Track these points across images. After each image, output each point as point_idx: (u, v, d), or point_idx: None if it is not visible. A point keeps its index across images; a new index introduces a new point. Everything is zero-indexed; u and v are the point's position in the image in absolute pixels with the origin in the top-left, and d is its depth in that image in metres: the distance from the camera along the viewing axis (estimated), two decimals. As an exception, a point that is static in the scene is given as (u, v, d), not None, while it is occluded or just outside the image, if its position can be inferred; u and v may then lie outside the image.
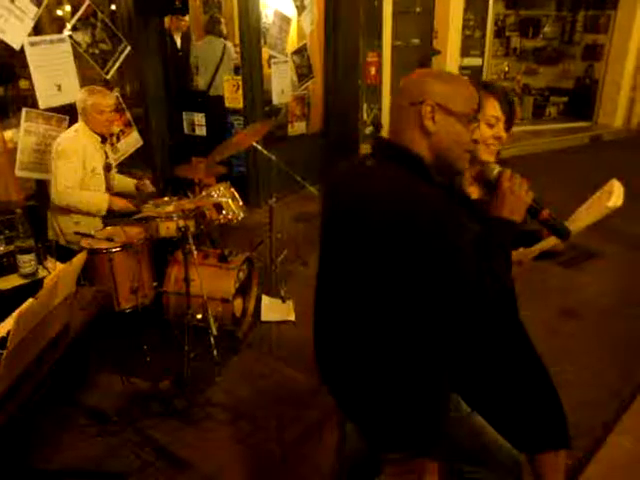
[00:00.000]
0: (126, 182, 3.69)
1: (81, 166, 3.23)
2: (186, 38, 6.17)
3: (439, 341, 1.42)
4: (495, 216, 1.43)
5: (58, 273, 1.81)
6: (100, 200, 3.29)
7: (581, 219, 1.67)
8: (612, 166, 7.03)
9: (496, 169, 1.54)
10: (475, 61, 8.13)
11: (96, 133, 3.35)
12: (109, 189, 3.47)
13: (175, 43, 5.88)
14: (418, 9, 7.12)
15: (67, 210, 3.26)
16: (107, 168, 3.47)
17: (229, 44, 5.70)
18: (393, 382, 1.43)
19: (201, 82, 5.72)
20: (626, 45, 8.39)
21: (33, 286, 2.49)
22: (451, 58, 7.41)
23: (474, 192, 1.73)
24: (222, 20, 5.82)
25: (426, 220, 1.26)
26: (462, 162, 1.45)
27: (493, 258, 1.35)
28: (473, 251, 1.33)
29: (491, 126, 1.70)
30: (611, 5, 8.53)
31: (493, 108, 1.70)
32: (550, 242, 1.67)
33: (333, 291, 1.51)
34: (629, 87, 8.74)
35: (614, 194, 1.61)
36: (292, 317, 3.48)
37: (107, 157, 3.49)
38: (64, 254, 3.04)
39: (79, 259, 2.01)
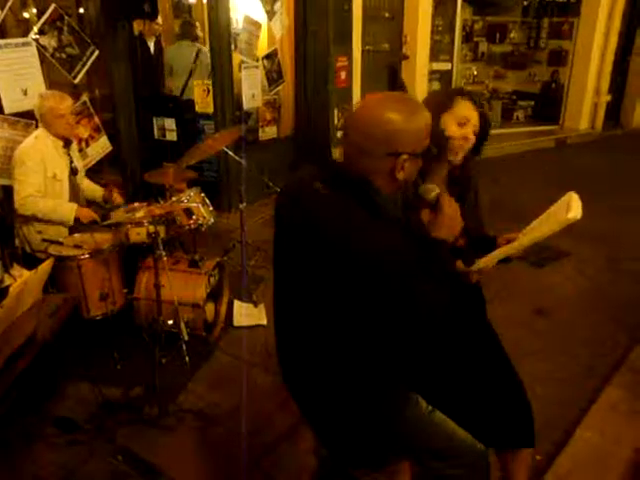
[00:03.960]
0: (94, 190, 3.62)
1: (41, 173, 3.16)
2: (159, 43, 6.13)
3: (386, 353, 1.47)
4: (435, 236, 1.49)
5: (23, 281, 1.78)
6: (66, 210, 3.22)
7: (539, 230, 1.70)
8: (577, 168, 7.20)
9: (434, 192, 1.55)
10: (444, 65, 8.24)
11: (59, 138, 3.28)
12: (75, 195, 3.40)
13: (148, 48, 5.84)
14: (387, 14, 7.19)
15: (30, 219, 3.19)
16: (73, 172, 3.41)
17: (204, 48, 5.67)
18: (345, 394, 1.48)
19: (175, 86, 5.69)
20: (589, 51, 8.61)
21: (-1, 294, 2.44)
22: (421, 63, 7.49)
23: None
24: (197, 24, 5.79)
25: (373, 257, 1.31)
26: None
27: (434, 276, 1.39)
28: (419, 286, 1.36)
29: (461, 125, 1.73)
30: (573, 12, 8.75)
31: (466, 108, 1.72)
32: (507, 251, 1.70)
33: (288, 306, 1.55)
34: (593, 91, 8.96)
35: (573, 206, 1.63)
36: (264, 321, 3.48)
37: (72, 161, 3.41)
38: (30, 263, 2.99)
39: (45, 266, 1.98)
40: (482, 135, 1.80)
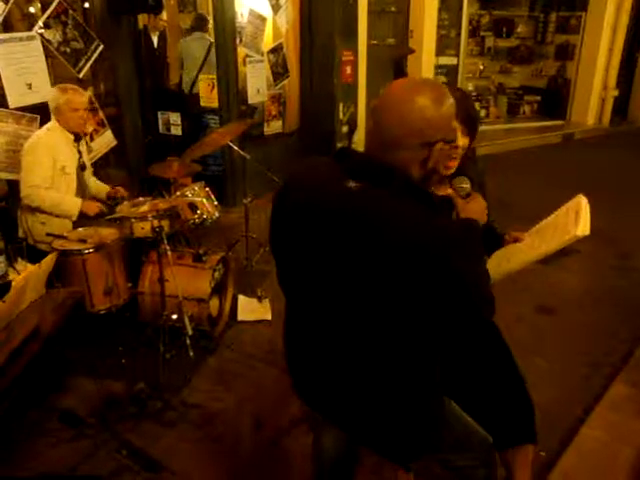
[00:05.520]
0: (99, 188, 3.60)
1: (50, 164, 3.16)
2: (163, 37, 6.12)
3: (434, 348, 1.41)
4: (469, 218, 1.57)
5: (27, 275, 1.78)
6: (70, 204, 3.21)
7: (547, 244, 1.70)
8: (584, 164, 7.16)
9: (467, 185, 1.66)
10: (450, 60, 8.22)
11: (70, 132, 3.28)
12: (82, 190, 3.40)
13: (152, 42, 5.82)
14: (393, 8, 7.16)
15: (35, 209, 3.19)
16: (81, 167, 3.41)
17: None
18: (391, 395, 1.40)
19: (185, 79, 5.68)
20: (596, 45, 8.56)
21: (2, 289, 2.44)
22: (427, 57, 7.46)
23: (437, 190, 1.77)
24: (209, 18, 5.76)
25: (442, 254, 1.21)
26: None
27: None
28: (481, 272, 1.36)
29: None
30: (581, 6, 8.69)
31: None
32: (512, 267, 1.82)
33: (312, 311, 1.45)
34: (600, 86, 8.91)
35: (581, 221, 1.62)
36: (268, 316, 3.48)
37: (81, 156, 3.41)
38: (33, 254, 3.00)
39: (48, 261, 1.98)
40: (472, 125, 1.79)
